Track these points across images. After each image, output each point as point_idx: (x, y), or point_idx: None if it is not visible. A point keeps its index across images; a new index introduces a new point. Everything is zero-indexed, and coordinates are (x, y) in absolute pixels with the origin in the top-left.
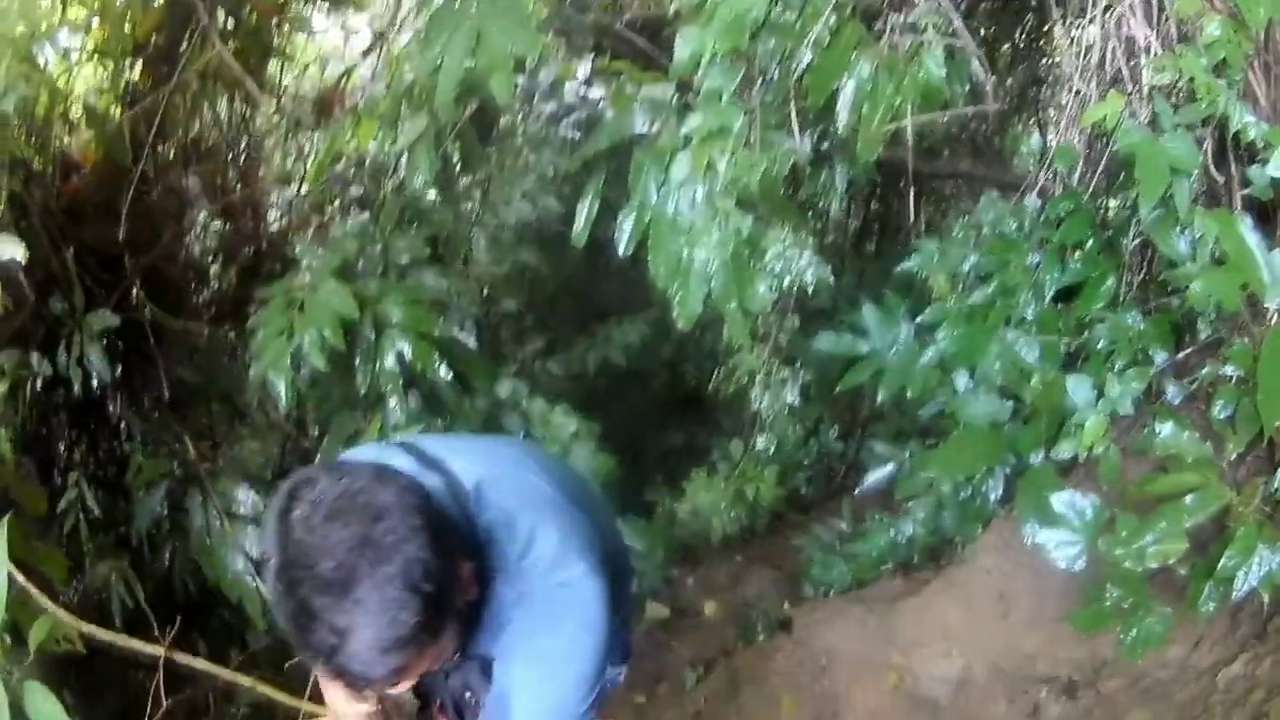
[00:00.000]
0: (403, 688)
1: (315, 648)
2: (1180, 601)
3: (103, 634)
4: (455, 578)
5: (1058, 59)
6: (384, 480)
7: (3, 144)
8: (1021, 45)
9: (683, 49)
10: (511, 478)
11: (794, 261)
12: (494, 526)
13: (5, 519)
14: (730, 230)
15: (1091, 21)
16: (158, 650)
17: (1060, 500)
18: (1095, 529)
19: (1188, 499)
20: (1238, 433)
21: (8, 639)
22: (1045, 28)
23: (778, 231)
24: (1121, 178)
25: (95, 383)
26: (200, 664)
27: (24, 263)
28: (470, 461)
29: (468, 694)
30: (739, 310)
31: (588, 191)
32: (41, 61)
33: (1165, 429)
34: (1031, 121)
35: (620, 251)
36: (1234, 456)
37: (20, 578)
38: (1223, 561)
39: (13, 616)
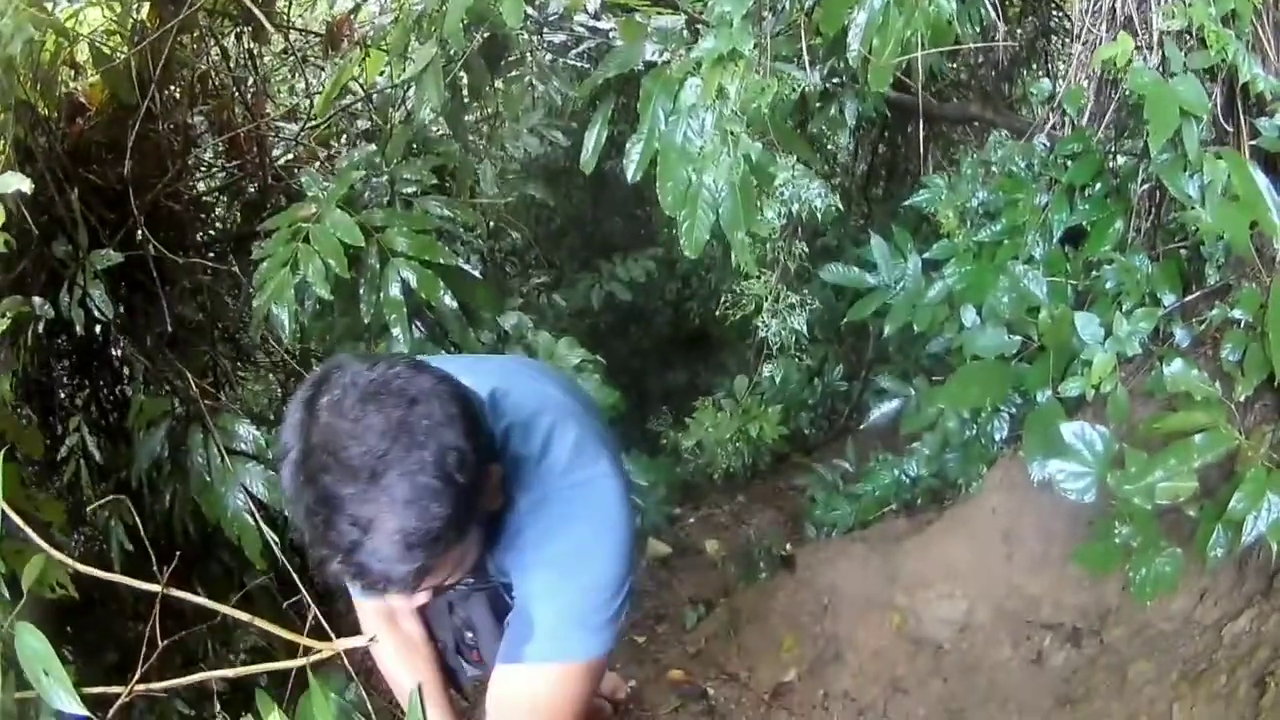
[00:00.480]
0: (420, 598)
1: (334, 543)
2: (1189, 546)
3: (98, 574)
4: (486, 475)
5: (1068, 11)
6: (420, 368)
7: (9, 89)
8: None
9: None
10: (524, 386)
11: (802, 189)
12: (510, 432)
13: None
14: (738, 156)
15: None
16: (154, 588)
17: (1070, 431)
18: (1105, 462)
19: (1197, 438)
20: (1246, 376)
21: (5, 590)
22: None
23: (786, 159)
24: (1131, 124)
25: (98, 324)
26: (198, 600)
27: (28, 194)
28: (480, 375)
29: (469, 634)
30: (746, 237)
31: (596, 120)
32: (50, 4)
33: (1173, 366)
34: (1040, 72)
35: (629, 177)
36: (1242, 399)
37: (18, 520)
38: (1231, 504)
39: (9, 565)
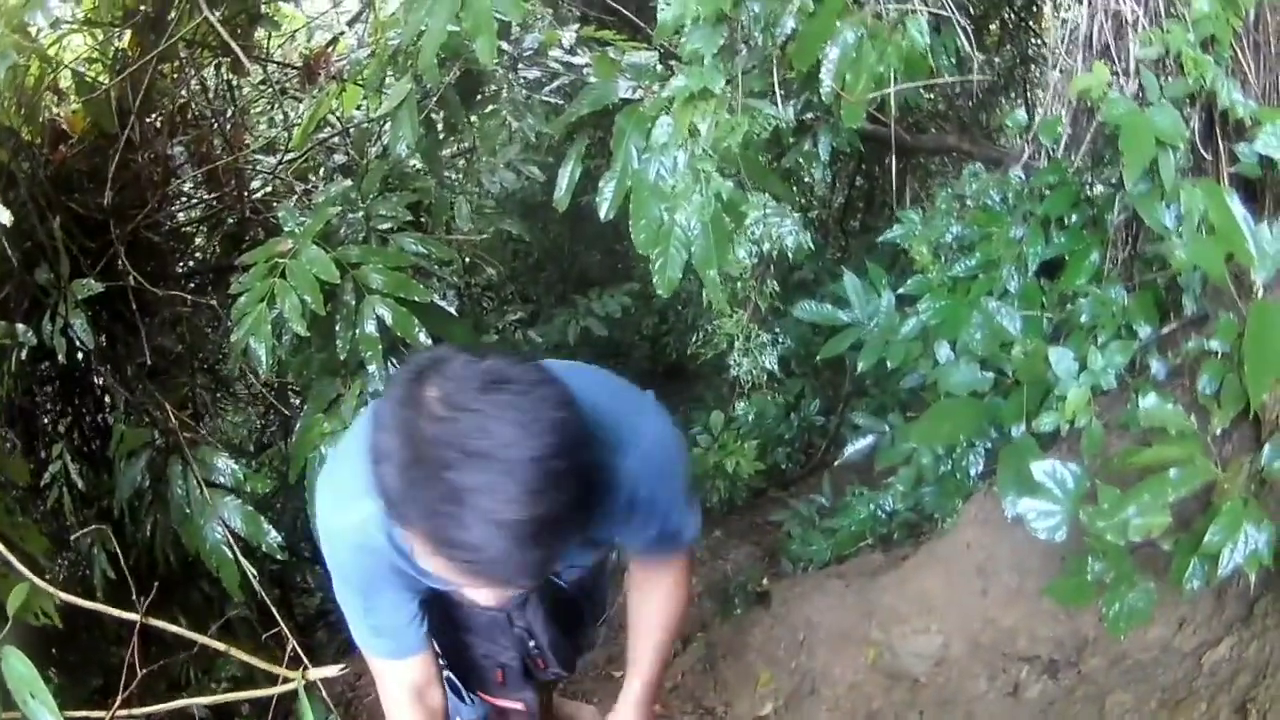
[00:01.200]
0: (528, 587)
1: (463, 541)
2: (1164, 579)
3: (79, 602)
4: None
5: (1046, 39)
6: (523, 357)
7: None
8: (1011, 24)
9: (666, 12)
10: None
11: (775, 227)
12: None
13: None
14: (710, 194)
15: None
16: (134, 617)
17: (1040, 469)
18: (1076, 499)
19: (1171, 472)
20: (1223, 408)
21: None
22: (1034, 7)
23: (759, 197)
24: (1108, 153)
25: (79, 352)
26: (178, 630)
27: (8, 226)
28: None
29: (532, 643)
30: (718, 276)
31: (570, 157)
32: (34, 30)
33: (1148, 400)
34: (1018, 100)
35: (601, 215)
36: (1219, 432)
37: (3, 549)
38: (1207, 536)
39: None
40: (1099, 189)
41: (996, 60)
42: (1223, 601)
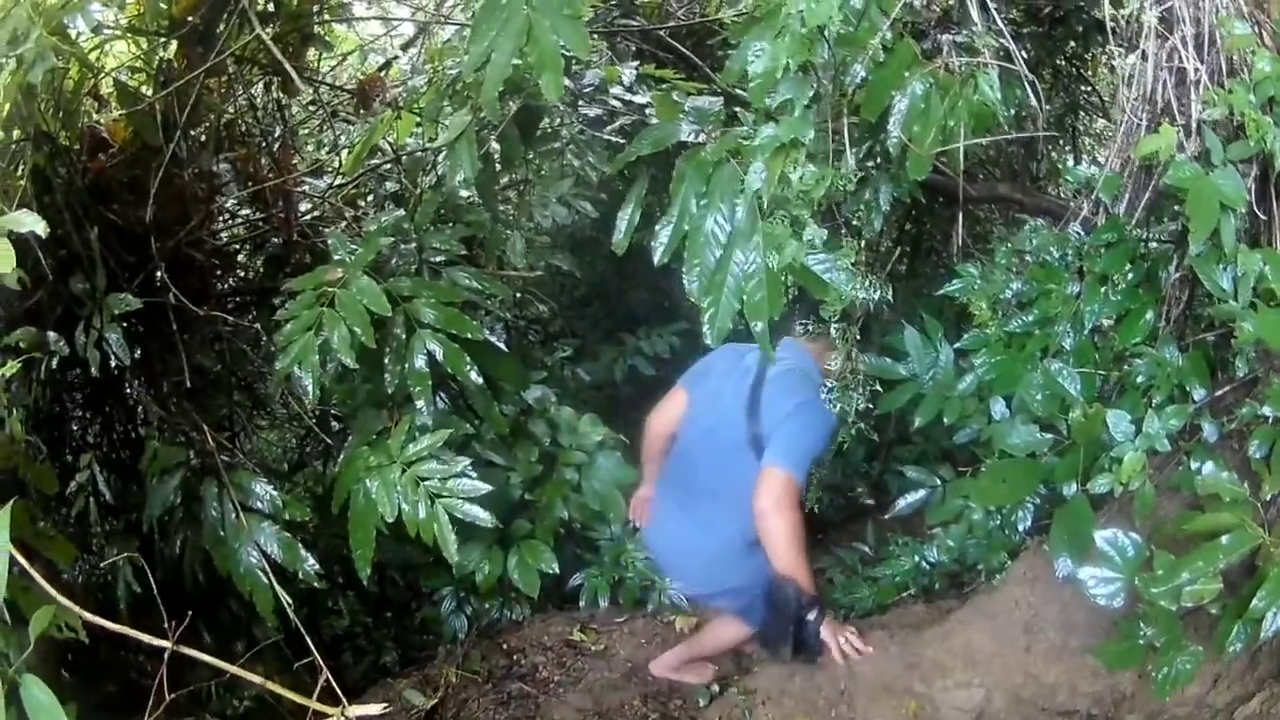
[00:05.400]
0: None
1: None
2: (1207, 640)
3: (108, 625)
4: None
5: (1096, 87)
6: None
7: (28, 116)
8: (1062, 71)
9: (758, 64)
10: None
11: (822, 277)
12: None
13: (9, 505)
14: (774, 246)
15: (1135, 52)
16: (165, 644)
17: (1103, 538)
18: (1134, 567)
19: (1223, 539)
20: (1273, 473)
21: (8, 622)
22: (1087, 55)
23: (820, 252)
24: (1164, 210)
25: (113, 365)
26: (209, 660)
27: (44, 237)
28: None
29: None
30: (769, 329)
31: (630, 198)
32: (73, 34)
33: (1206, 468)
34: (1066, 147)
35: (655, 261)
36: (1269, 497)
37: (23, 561)
38: (1254, 602)
39: (14, 600)
40: (1153, 246)
41: (1046, 108)
42: (1256, 659)
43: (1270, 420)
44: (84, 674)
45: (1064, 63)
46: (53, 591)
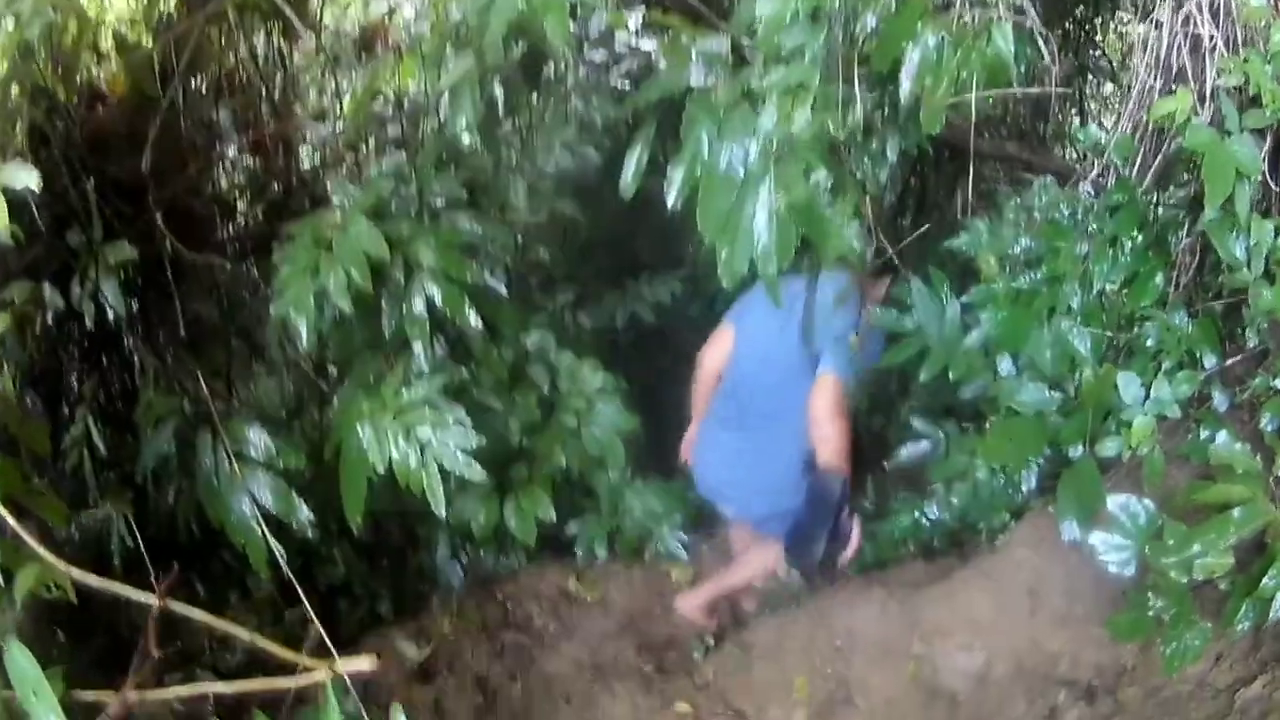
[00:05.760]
0: None
1: None
2: (1213, 617)
3: (95, 581)
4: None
5: (1106, 51)
6: None
7: (26, 72)
8: (1070, 34)
9: (765, 6)
10: None
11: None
12: None
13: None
14: (787, 190)
15: (1149, 16)
16: (151, 599)
17: (1115, 503)
18: (1146, 535)
19: (1235, 513)
20: None
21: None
22: (1095, 19)
23: (830, 198)
24: (1176, 176)
25: (110, 317)
26: (197, 614)
27: (37, 191)
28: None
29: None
30: (775, 273)
31: (638, 141)
32: None
33: (1220, 437)
34: (1073, 110)
35: (669, 203)
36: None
37: (11, 521)
38: (1265, 580)
39: (4, 561)
40: (1164, 211)
41: (1055, 69)
42: (1260, 640)
43: None
44: (78, 631)
45: (1073, 26)
46: (40, 549)
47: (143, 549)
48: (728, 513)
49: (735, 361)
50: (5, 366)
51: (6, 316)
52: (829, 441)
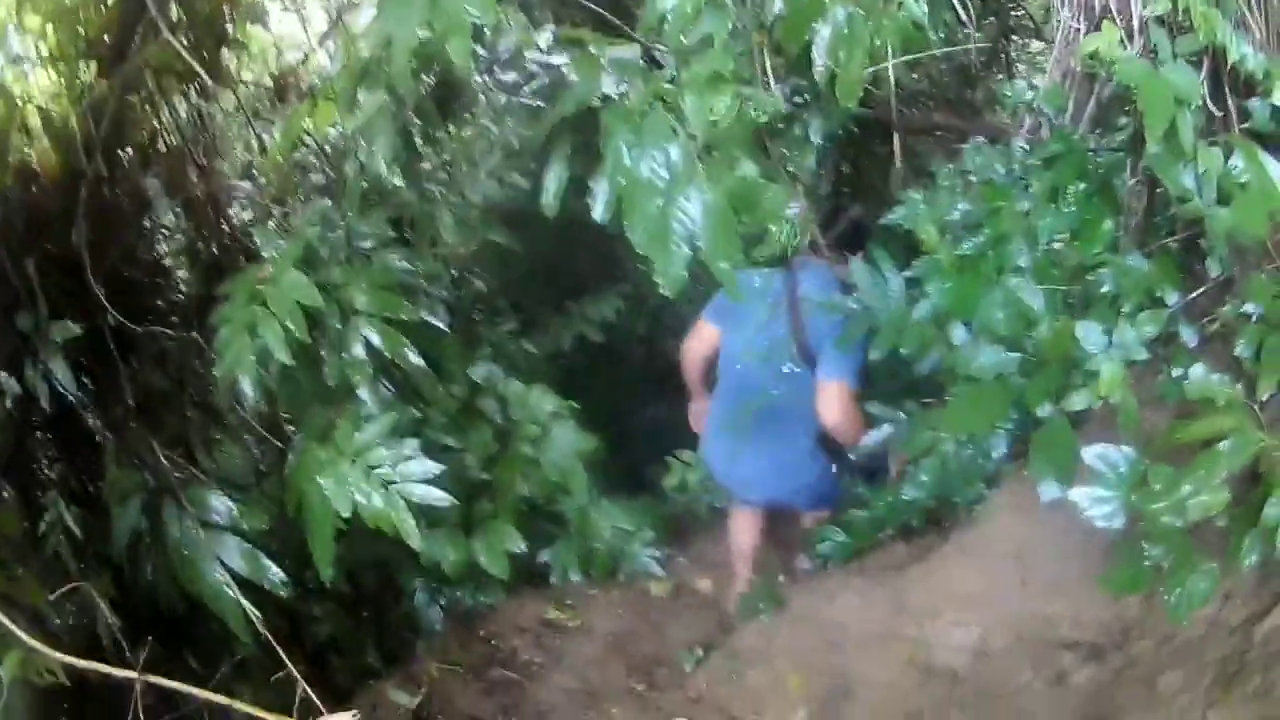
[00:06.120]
0: None
1: None
2: (1217, 557)
3: (77, 662)
4: None
5: (1029, 9)
6: None
7: None
8: None
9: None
10: None
11: (778, 212)
12: None
13: None
14: (719, 184)
15: None
16: (132, 675)
17: (1092, 454)
18: (1131, 483)
19: (1223, 445)
20: (1265, 373)
21: None
22: None
23: (764, 184)
24: (1112, 119)
25: (65, 396)
26: (178, 686)
27: None
28: None
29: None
30: (730, 269)
31: (555, 159)
32: None
33: (1194, 371)
34: (999, 74)
35: (596, 216)
36: (1265, 397)
37: None
38: (1266, 509)
39: None
40: (1104, 156)
41: (977, 35)
42: (1267, 573)
43: (1254, 318)
44: (74, 710)
45: None
46: (22, 635)
47: (126, 626)
48: (755, 501)
49: (728, 362)
50: None
51: None
52: (850, 440)
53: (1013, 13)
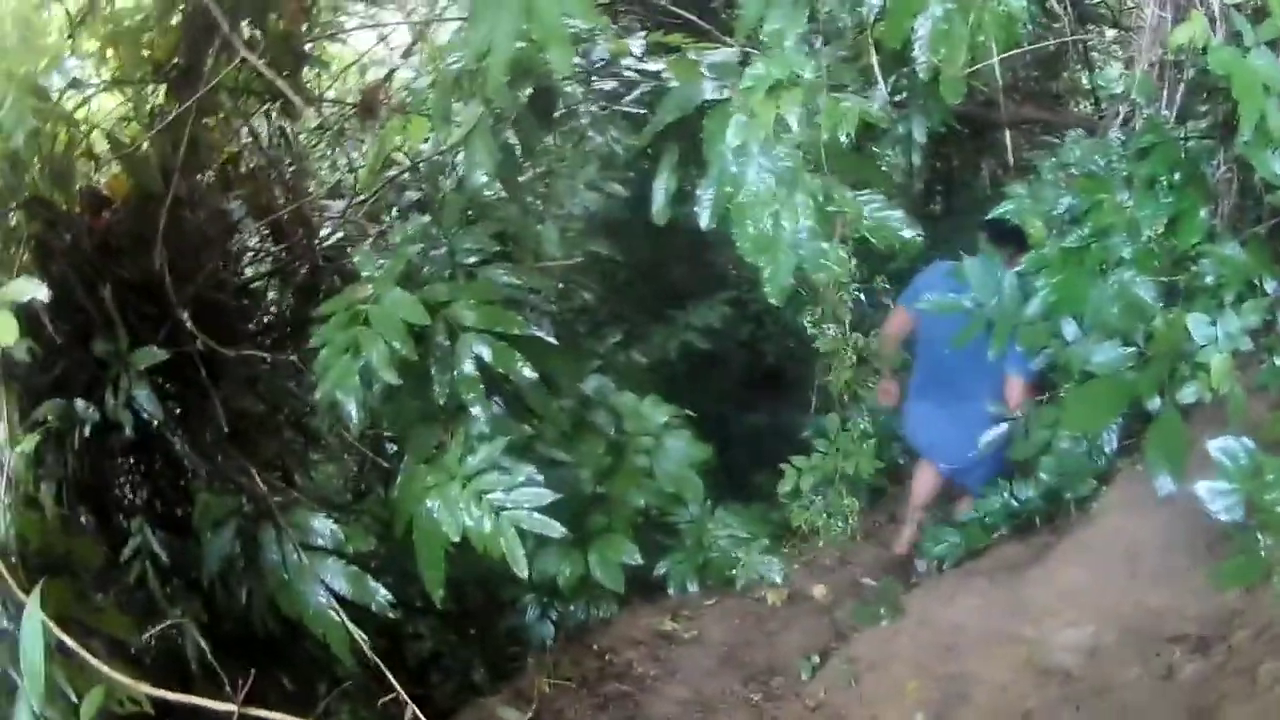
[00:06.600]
0: None
1: None
2: None
3: (166, 695)
4: None
5: None
6: None
7: (17, 184)
8: None
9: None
10: None
11: (884, 221)
12: None
13: (37, 589)
14: (808, 195)
15: None
16: (230, 708)
17: (1216, 447)
18: (1250, 475)
19: None
20: None
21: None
22: None
23: (867, 193)
24: (1191, 107)
25: (151, 422)
26: (277, 717)
27: (47, 302)
28: None
29: None
30: (835, 280)
31: (663, 167)
32: (55, 94)
33: None
34: (1077, 66)
35: (703, 225)
36: None
37: (67, 639)
38: None
39: (72, 682)
40: (1192, 144)
41: (1055, 25)
42: None
43: None
44: None
45: None
46: (103, 668)
47: (218, 653)
48: (940, 467)
49: (925, 344)
50: (43, 486)
51: (35, 437)
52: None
53: (1088, 2)
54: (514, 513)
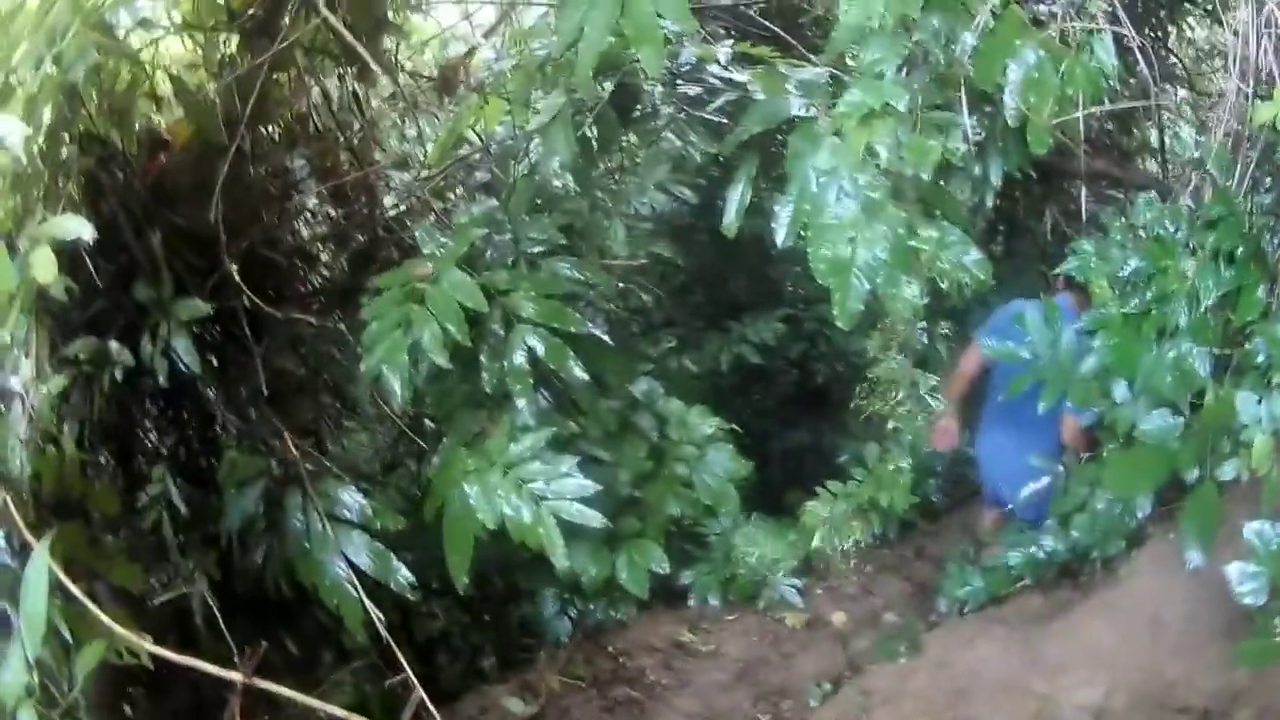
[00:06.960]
0: None
1: None
2: None
3: (171, 656)
4: None
5: (1181, 59)
6: None
7: (72, 117)
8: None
9: (849, 14)
10: None
11: (958, 258)
12: None
13: (47, 537)
14: (892, 224)
15: (1216, 21)
16: (237, 676)
17: (1252, 530)
18: (1278, 559)
19: None
20: None
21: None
22: (1167, 28)
23: (943, 227)
24: (1257, 182)
25: (187, 374)
26: (284, 692)
27: (91, 243)
28: None
29: None
30: (907, 309)
31: (740, 177)
32: (120, 32)
33: None
34: (1148, 124)
35: (779, 242)
36: None
37: (72, 588)
38: None
39: (73, 629)
40: (1257, 219)
41: (1132, 82)
42: None
43: None
44: (152, 689)
45: (1149, 32)
46: (106, 619)
47: (228, 612)
48: (1004, 499)
49: (1001, 374)
50: (67, 427)
51: (63, 378)
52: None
53: (1165, 59)
54: (555, 503)
